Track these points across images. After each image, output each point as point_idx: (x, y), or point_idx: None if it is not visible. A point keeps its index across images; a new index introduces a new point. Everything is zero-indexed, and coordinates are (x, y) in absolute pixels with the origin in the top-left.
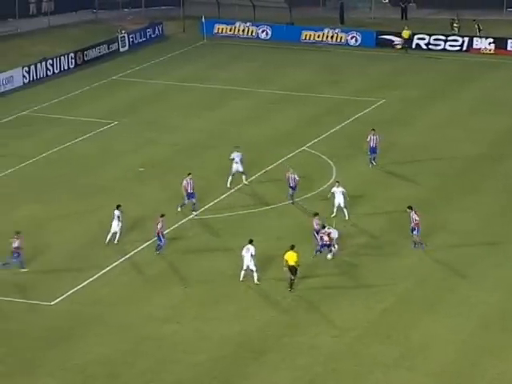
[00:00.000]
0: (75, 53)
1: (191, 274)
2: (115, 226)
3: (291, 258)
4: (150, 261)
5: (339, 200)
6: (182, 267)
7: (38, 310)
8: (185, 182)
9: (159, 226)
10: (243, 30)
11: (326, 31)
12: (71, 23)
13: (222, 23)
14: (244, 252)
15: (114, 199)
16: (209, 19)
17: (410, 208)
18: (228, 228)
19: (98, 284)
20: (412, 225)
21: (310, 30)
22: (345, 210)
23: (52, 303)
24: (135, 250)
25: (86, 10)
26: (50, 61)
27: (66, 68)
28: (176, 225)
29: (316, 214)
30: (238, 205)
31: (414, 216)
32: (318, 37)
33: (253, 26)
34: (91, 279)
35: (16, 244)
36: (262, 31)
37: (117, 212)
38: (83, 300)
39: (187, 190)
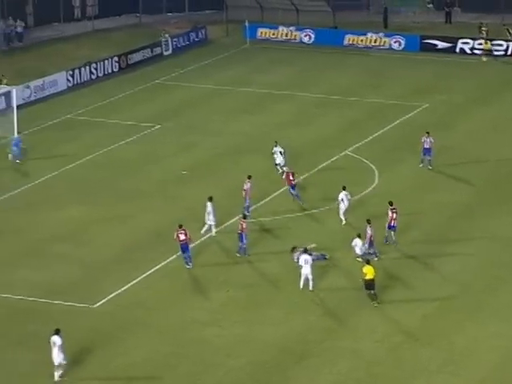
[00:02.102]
0: (119, 56)
1: (234, 278)
2: (210, 218)
3: (369, 271)
4: (192, 264)
5: (345, 205)
6: (225, 271)
7: (80, 312)
8: (246, 185)
9: (244, 226)
10: (286, 34)
11: (369, 35)
12: (115, 27)
13: (265, 27)
14: (302, 262)
15: (156, 202)
16: (252, 23)
17: (390, 204)
18: (271, 232)
19: (140, 287)
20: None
21: (354, 34)
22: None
23: (94, 306)
24: (178, 253)
25: (129, 14)
26: (94, 65)
27: (109, 72)
28: (217, 229)
29: (368, 221)
30: (280, 209)
31: (390, 213)
32: (362, 41)
33: (296, 30)
34: (133, 282)
35: (183, 236)
36: (305, 35)
37: (209, 203)
38: (125, 303)
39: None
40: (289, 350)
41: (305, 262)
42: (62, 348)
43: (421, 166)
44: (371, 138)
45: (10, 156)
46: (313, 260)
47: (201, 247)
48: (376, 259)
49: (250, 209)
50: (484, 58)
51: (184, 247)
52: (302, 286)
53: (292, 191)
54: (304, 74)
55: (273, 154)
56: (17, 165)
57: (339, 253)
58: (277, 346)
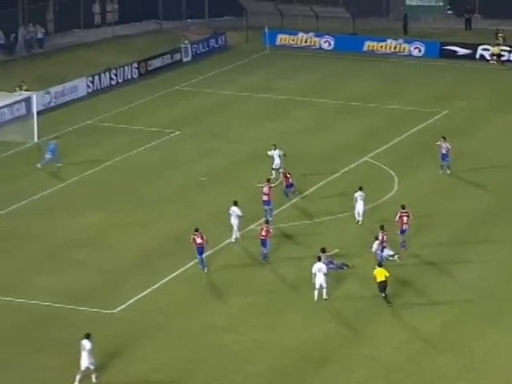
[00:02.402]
0: (139, 63)
1: (253, 283)
2: (234, 223)
3: (380, 274)
4: (211, 270)
5: (359, 207)
6: (243, 276)
7: (100, 318)
8: (265, 188)
9: (267, 232)
10: (306, 41)
11: (389, 42)
12: (135, 33)
13: (285, 33)
14: (316, 271)
15: (176, 208)
16: (272, 29)
17: (403, 207)
18: (291, 237)
19: (159, 292)
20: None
21: (373, 40)
22: (361, 217)
23: (114, 311)
24: (197, 259)
25: (150, 21)
26: (114, 71)
27: (129, 78)
28: (238, 234)
29: (381, 227)
30: (299, 215)
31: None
32: (381, 47)
33: (316, 36)
34: (153, 288)
35: (199, 240)
36: (325, 41)
37: (234, 209)
38: (145, 308)
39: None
40: (308, 356)
41: (318, 271)
42: (92, 352)
43: (440, 172)
44: (391, 144)
45: (39, 165)
46: (331, 268)
47: (221, 252)
48: (398, 260)
49: (273, 213)
50: (492, 62)
51: (200, 250)
52: (316, 298)
53: (287, 190)
54: (324, 80)
55: (269, 156)
56: (53, 168)
57: (359, 259)
58: (296, 353)
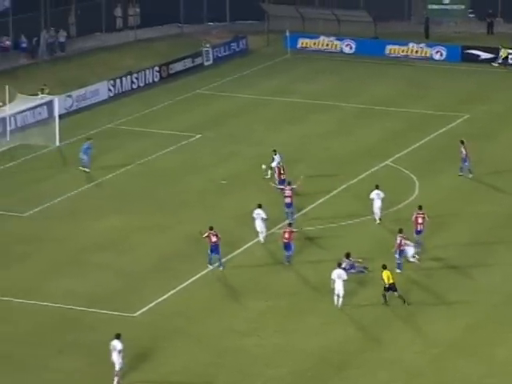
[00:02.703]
0: (160, 66)
1: (273, 287)
2: (260, 225)
3: (387, 276)
4: (231, 273)
5: (377, 206)
6: (264, 280)
7: (120, 321)
8: (287, 191)
9: (290, 235)
10: (327, 44)
11: (410, 45)
12: (157, 37)
13: (306, 37)
14: (335, 277)
15: (196, 212)
16: (293, 33)
17: (419, 208)
18: (313, 241)
19: (179, 296)
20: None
21: (395, 44)
22: (378, 217)
23: (135, 314)
24: (217, 263)
25: (171, 24)
26: (135, 74)
27: (150, 81)
28: (260, 237)
29: (400, 230)
30: (320, 218)
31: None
32: (403, 51)
33: (337, 40)
34: (173, 291)
35: (215, 238)
36: (346, 45)
37: (259, 211)
38: (165, 312)
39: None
40: (328, 360)
41: (337, 277)
42: (122, 353)
43: (460, 174)
44: (412, 148)
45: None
46: (351, 273)
47: (242, 255)
48: (418, 262)
49: (294, 216)
50: (494, 64)
51: (214, 248)
52: (336, 302)
53: (279, 185)
54: (345, 84)
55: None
56: (85, 172)
57: (379, 262)
58: (316, 356)
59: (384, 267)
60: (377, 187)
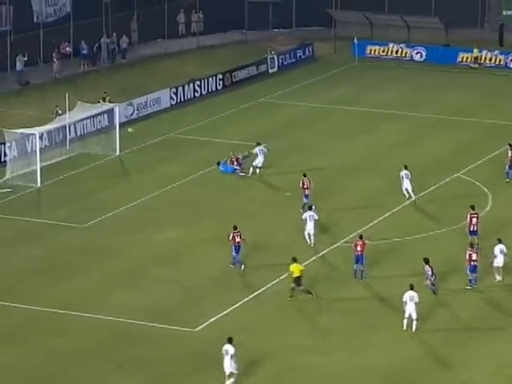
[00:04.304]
0: (223, 74)
1: (339, 302)
2: (310, 227)
3: (296, 269)
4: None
5: (407, 185)
6: (330, 294)
7: (180, 336)
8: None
9: (362, 247)
10: (396, 52)
11: (483, 53)
12: (220, 44)
13: (375, 44)
14: (407, 299)
15: (259, 223)
16: (361, 40)
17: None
18: (379, 255)
19: (242, 310)
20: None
21: (467, 51)
22: (412, 194)
23: (195, 329)
24: (281, 277)
25: (235, 31)
26: (198, 82)
27: (213, 89)
28: (325, 250)
29: (471, 244)
30: (388, 232)
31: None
32: (476, 59)
33: (407, 47)
34: (235, 306)
35: (238, 238)
36: (417, 53)
37: (310, 213)
38: (227, 327)
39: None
40: (395, 379)
41: (409, 299)
42: (235, 357)
43: (507, 180)
44: (485, 159)
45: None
46: (427, 286)
47: (308, 268)
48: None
49: (313, 207)
50: (473, 65)
51: (237, 249)
52: (405, 327)
53: (238, 170)
54: (415, 93)
55: (255, 154)
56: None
57: (450, 278)
58: (382, 375)
59: (294, 260)
60: (405, 167)
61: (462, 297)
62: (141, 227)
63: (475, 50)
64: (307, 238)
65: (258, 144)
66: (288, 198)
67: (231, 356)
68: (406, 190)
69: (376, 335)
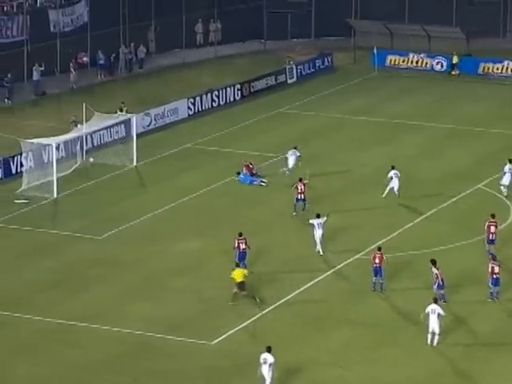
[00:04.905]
0: (241, 84)
1: (358, 316)
2: (319, 234)
3: (238, 274)
4: (314, 300)
5: (394, 184)
6: (348, 308)
7: (197, 349)
8: (299, 187)
9: (381, 259)
10: (417, 62)
11: (505, 63)
12: (238, 53)
13: (395, 54)
14: (430, 311)
15: (278, 235)
16: (381, 50)
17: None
18: (399, 267)
19: (259, 323)
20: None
21: (489, 61)
22: (398, 193)
23: (212, 343)
24: (299, 290)
25: (254, 40)
26: (216, 92)
27: (231, 100)
28: (343, 263)
29: (493, 257)
30: (409, 244)
31: (435, 271)
32: (498, 69)
33: (427, 57)
34: (253, 318)
35: (243, 245)
36: (437, 63)
37: (318, 220)
38: (244, 340)
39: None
40: None
41: (432, 312)
42: (274, 366)
43: None
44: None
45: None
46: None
47: (326, 281)
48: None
49: (307, 207)
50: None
51: (242, 256)
52: (429, 341)
53: (252, 180)
54: (435, 103)
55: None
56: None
57: (471, 291)
58: None
59: (237, 265)
60: (393, 167)
61: (484, 310)
62: (158, 238)
63: (455, 57)
64: (319, 246)
65: (295, 148)
66: (307, 209)
67: (270, 365)
68: (392, 188)
69: (396, 349)
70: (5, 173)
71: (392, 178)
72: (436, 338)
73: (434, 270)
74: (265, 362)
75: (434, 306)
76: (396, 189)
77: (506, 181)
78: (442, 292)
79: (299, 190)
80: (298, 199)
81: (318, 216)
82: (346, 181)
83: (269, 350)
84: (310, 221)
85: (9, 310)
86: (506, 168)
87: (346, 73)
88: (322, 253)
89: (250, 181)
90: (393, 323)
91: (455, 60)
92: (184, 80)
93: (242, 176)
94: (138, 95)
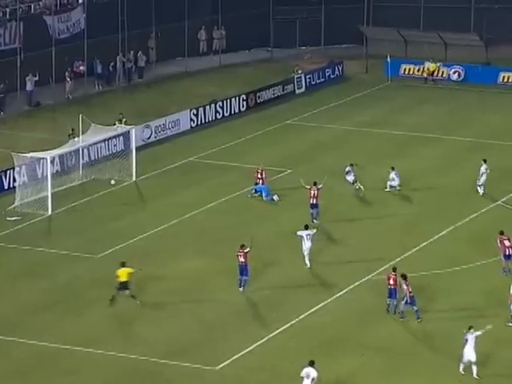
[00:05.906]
0: (247, 94)
1: (369, 340)
2: (307, 246)
3: (123, 274)
4: (322, 324)
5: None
6: (360, 331)
7: (201, 374)
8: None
9: (392, 282)
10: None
11: (441, 66)
12: (243, 62)
13: (409, 63)
14: (468, 340)
15: (285, 254)
16: (394, 58)
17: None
18: (414, 288)
19: (266, 348)
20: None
21: (509, 71)
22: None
23: (217, 367)
24: (307, 313)
25: (260, 48)
26: (220, 103)
27: (236, 111)
28: (355, 283)
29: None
30: (424, 264)
31: (405, 286)
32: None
33: (444, 66)
34: (259, 342)
35: (242, 259)
36: (454, 72)
37: (306, 232)
38: (250, 365)
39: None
40: None
41: (465, 341)
42: (315, 380)
43: None
44: None
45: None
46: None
47: (337, 302)
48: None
49: (318, 217)
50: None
51: (240, 269)
52: (462, 370)
53: (262, 190)
54: (452, 115)
55: (346, 173)
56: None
57: (490, 314)
58: None
59: (122, 265)
60: (351, 165)
61: (503, 334)
62: (158, 258)
63: (432, 65)
64: (306, 259)
65: (351, 164)
66: (314, 226)
67: (312, 379)
68: (391, 185)
69: (407, 377)
70: None
71: (394, 179)
72: (474, 368)
73: (404, 286)
74: (307, 377)
75: (470, 336)
76: (397, 183)
77: (482, 181)
78: (415, 308)
79: (311, 195)
80: (311, 205)
81: (307, 227)
82: (357, 197)
83: (312, 363)
84: (298, 232)
85: (0, 333)
86: (483, 168)
87: (357, 82)
88: (308, 266)
89: (267, 194)
90: (408, 348)
91: (432, 67)
92: (186, 90)
93: (259, 187)
94: (137, 106)
